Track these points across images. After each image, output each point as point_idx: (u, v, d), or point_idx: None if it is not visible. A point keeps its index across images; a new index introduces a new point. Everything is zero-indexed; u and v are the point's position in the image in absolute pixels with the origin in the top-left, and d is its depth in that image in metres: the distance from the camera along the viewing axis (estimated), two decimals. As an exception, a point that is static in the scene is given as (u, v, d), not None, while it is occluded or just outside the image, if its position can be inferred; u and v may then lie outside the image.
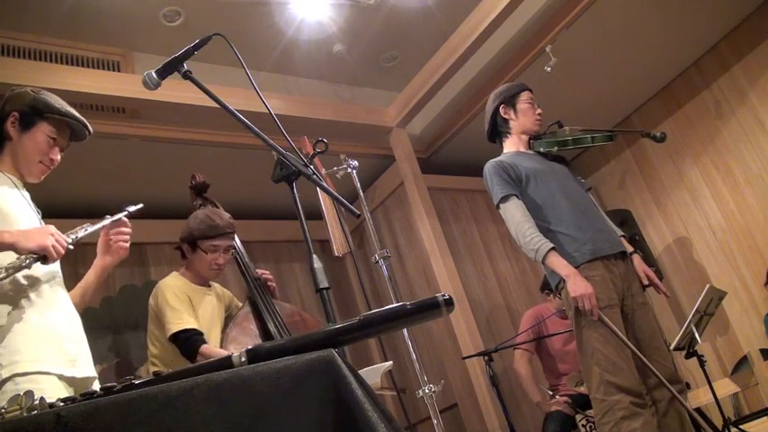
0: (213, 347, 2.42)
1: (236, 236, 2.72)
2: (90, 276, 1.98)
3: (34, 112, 1.86)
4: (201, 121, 3.78)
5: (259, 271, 2.68)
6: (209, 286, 2.71)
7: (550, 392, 3.56)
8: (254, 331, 2.52)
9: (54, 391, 1.60)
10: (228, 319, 2.67)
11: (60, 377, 1.67)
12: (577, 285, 2.30)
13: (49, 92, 1.94)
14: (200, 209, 2.82)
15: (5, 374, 1.57)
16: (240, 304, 2.73)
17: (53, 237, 1.67)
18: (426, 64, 4.23)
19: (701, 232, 4.72)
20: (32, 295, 1.72)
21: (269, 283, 2.65)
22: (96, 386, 1.77)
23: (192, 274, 2.66)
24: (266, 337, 2.48)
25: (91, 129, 1.99)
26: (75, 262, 4.00)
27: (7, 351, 1.60)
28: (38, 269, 1.76)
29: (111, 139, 3.61)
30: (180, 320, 2.43)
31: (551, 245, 2.39)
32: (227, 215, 2.66)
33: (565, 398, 3.44)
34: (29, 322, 1.68)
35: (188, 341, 2.40)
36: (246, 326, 2.53)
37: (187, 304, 2.51)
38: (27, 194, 1.90)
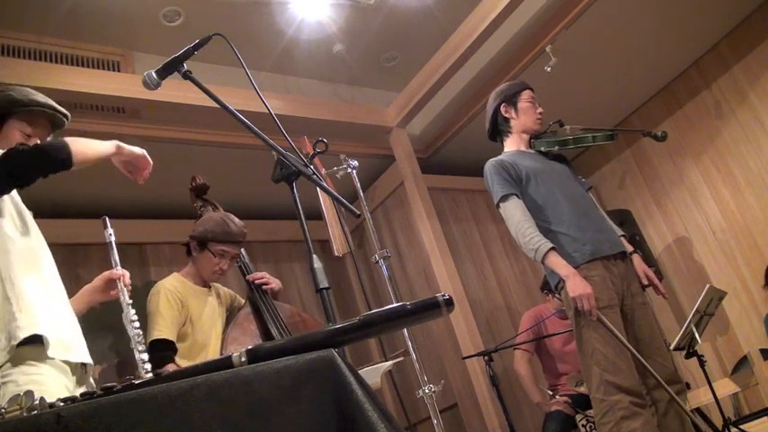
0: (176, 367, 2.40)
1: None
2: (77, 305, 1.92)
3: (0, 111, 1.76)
4: (201, 121, 3.78)
5: (249, 277, 2.67)
6: (210, 287, 2.71)
7: (550, 392, 3.56)
8: (254, 332, 2.52)
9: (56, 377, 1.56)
10: (230, 318, 2.67)
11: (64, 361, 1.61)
12: (576, 285, 2.30)
13: (18, 87, 1.84)
14: (200, 210, 2.82)
15: (23, 335, 1.49)
16: (243, 301, 2.74)
17: None
18: (426, 64, 4.23)
19: (701, 232, 4.72)
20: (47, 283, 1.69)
21: (264, 287, 2.64)
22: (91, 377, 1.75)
23: (194, 275, 2.66)
24: (267, 337, 2.47)
25: (65, 112, 1.88)
26: (74, 263, 4.04)
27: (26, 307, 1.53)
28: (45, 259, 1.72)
29: (110, 139, 3.60)
30: (161, 329, 2.44)
31: (551, 245, 2.39)
32: (240, 223, 2.67)
33: (565, 398, 3.44)
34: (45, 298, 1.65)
35: (159, 355, 2.37)
36: (247, 326, 2.53)
37: (177, 312, 2.50)
38: (17, 196, 1.81)
